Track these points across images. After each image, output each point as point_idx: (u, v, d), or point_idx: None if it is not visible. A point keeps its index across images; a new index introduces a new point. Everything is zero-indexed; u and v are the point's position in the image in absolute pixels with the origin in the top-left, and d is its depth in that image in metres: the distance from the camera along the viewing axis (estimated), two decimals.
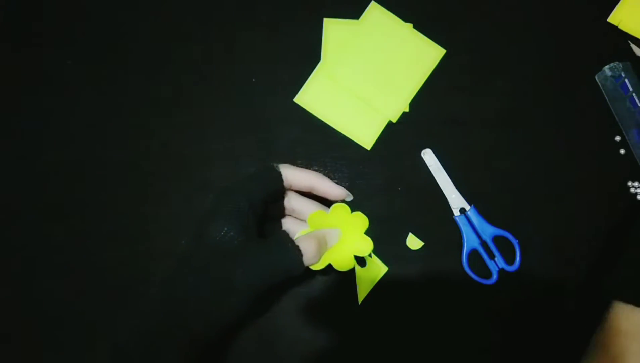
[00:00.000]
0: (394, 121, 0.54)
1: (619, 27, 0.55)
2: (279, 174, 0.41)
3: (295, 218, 0.46)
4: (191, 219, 0.52)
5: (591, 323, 0.52)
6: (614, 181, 0.53)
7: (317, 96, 0.54)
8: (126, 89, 0.54)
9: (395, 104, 0.54)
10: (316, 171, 0.53)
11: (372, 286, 0.51)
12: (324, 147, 0.54)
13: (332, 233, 0.43)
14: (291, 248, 0.39)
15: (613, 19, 0.55)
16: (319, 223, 0.44)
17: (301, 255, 0.39)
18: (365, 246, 0.46)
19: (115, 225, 0.52)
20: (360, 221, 0.46)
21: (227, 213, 0.38)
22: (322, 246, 0.41)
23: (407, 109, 0.54)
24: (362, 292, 0.51)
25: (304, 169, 0.43)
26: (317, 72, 0.55)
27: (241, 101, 0.54)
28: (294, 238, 0.40)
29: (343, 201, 0.46)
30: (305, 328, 0.51)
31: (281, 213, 0.46)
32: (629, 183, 0.53)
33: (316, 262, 0.41)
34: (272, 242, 0.39)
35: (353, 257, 0.45)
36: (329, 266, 0.44)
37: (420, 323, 0.51)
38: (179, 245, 0.51)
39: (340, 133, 0.54)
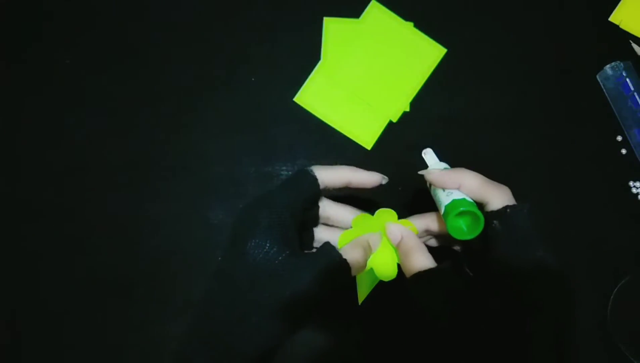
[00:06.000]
0: (394, 120, 0.54)
1: (620, 26, 0.55)
2: (315, 178, 0.38)
3: (330, 225, 0.43)
4: (191, 219, 0.52)
5: (591, 323, 0.52)
6: (615, 181, 0.53)
7: (317, 96, 0.54)
8: (126, 89, 0.54)
9: (395, 103, 0.54)
10: None
11: (372, 287, 0.51)
12: (324, 147, 0.54)
13: (374, 237, 0.40)
14: (339, 261, 0.35)
15: (614, 18, 0.55)
16: (363, 227, 0.41)
17: (349, 267, 0.36)
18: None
19: (115, 225, 0.52)
20: (388, 216, 0.42)
21: (268, 227, 0.34)
22: (367, 253, 0.39)
23: (407, 109, 0.54)
24: (363, 293, 0.51)
25: (335, 166, 0.40)
26: (317, 71, 0.54)
27: (241, 100, 0.54)
28: (338, 248, 0.37)
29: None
30: (306, 328, 0.51)
31: (315, 221, 0.42)
32: (631, 183, 0.53)
33: (362, 267, 0.38)
34: (319, 256, 0.35)
35: (396, 264, 0.41)
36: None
37: (421, 323, 0.51)
38: (215, 261, 0.48)
39: (340, 133, 0.54)
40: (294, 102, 0.54)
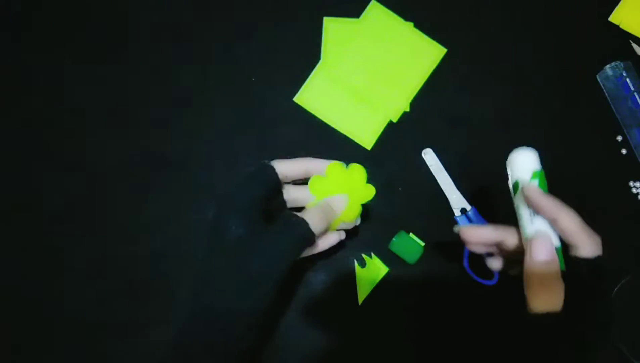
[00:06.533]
0: (394, 120, 0.54)
1: (620, 26, 0.55)
2: (273, 169, 0.41)
3: (298, 208, 0.46)
4: (192, 219, 0.52)
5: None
6: (615, 181, 0.53)
7: (317, 96, 0.54)
8: (126, 89, 0.54)
9: (395, 103, 0.54)
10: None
11: (372, 287, 0.51)
12: (324, 147, 0.54)
13: (336, 199, 0.43)
14: (296, 222, 0.39)
15: (614, 18, 0.55)
16: (320, 188, 0.43)
17: (307, 224, 0.39)
18: (368, 192, 0.45)
19: (115, 225, 0.52)
20: (358, 172, 0.44)
21: (232, 213, 0.39)
22: (328, 214, 0.42)
23: (407, 109, 0.54)
24: (363, 293, 0.51)
25: (294, 159, 0.43)
26: (317, 71, 0.54)
27: (241, 100, 0.54)
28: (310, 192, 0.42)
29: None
30: (306, 328, 0.51)
31: (282, 206, 0.46)
32: (631, 183, 0.53)
33: (324, 229, 0.41)
34: (279, 223, 0.39)
35: (360, 206, 0.44)
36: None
37: (421, 323, 0.51)
38: (195, 253, 0.51)
39: (340, 133, 0.54)
40: (294, 102, 0.54)
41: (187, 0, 0.55)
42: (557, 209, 0.36)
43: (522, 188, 0.38)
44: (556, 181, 0.53)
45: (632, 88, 0.53)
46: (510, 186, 0.40)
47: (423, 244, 0.51)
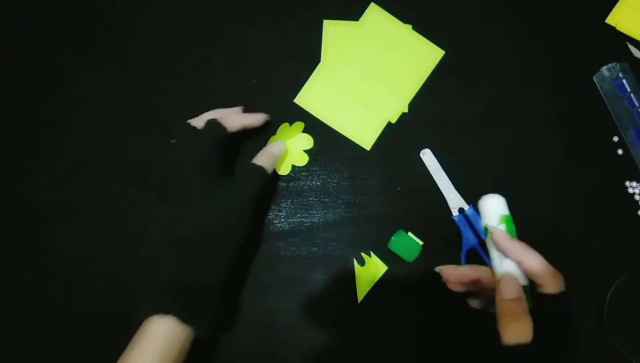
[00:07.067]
0: (393, 121, 0.55)
1: (617, 28, 0.55)
2: (219, 123, 0.48)
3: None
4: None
5: (588, 322, 0.52)
6: (612, 182, 0.54)
7: (317, 97, 0.55)
8: (126, 89, 0.55)
9: (394, 104, 0.55)
10: (316, 171, 0.54)
11: (371, 286, 0.52)
12: (324, 147, 0.54)
13: (275, 145, 0.51)
14: (254, 166, 0.48)
15: (611, 20, 0.55)
16: (285, 131, 0.53)
17: (262, 168, 0.48)
18: (307, 141, 0.55)
19: (115, 225, 0.53)
20: (296, 127, 0.53)
21: (195, 164, 0.46)
22: (272, 155, 0.50)
23: (406, 110, 0.55)
24: (362, 291, 0.52)
25: (230, 114, 0.50)
26: (317, 73, 0.55)
27: (242, 102, 0.54)
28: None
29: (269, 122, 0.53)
30: (305, 326, 0.51)
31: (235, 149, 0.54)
32: (627, 183, 0.53)
33: (273, 167, 0.50)
34: (240, 169, 0.49)
35: (291, 165, 0.54)
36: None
37: (419, 321, 0.52)
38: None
39: (340, 134, 0.54)
40: (294, 103, 0.55)
41: (187, 2, 0.56)
42: (522, 252, 0.40)
43: (490, 233, 0.41)
44: (552, 181, 0.54)
45: (628, 89, 0.54)
46: (482, 228, 0.43)
47: (421, 243, 0.52)
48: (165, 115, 0.54)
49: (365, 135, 0.54)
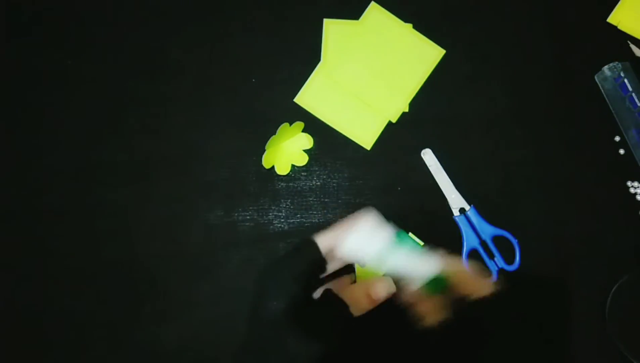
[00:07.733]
0: (393, 121, 0.54)
1: (619, 27, 0.55)
2: (314, 242, 0.40)
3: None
4: (192, 219, 0.53)
5: (589, 322, 0.52)
6: (613, 181, 0.53)
7: (317, 96, 0.55)
8: (126, 89, 0.55)
9: (395, 104, 0.54)
10: (316, 171, 0.53)
11: None
12: (325, 147, 0.54)
13: (378, 283, 0.42)
14: (335, 302, 0.40)
15: (612, 19, 0.55)
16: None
17: (346, 306, 0.40)
18: (307, 141, 0.54)
19: (115, 225, 0.53)
20: (296, 127, 0.53)
21: (272, 288, 0.40)
22: (366, 296, 0.41)
23: (406, 110, 0.55)
24: None
25: (331, 231, 0.41)
26: (317, 72, 0.55)
27: (241, 101, 0.54)
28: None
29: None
30: (305, 327, 0.51)
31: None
32: (629, 183, 0.53)
33: (362, 311, 0.41)
34: (319, 302, 0.40)
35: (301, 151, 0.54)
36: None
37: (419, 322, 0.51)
38: (214, 260, 0.52)
39: (340, 133, 0.54)
40: (294, 102, 0.55)
41: (187, 2, 0.56)
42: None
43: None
44: (554, 180, 0.54)
45: (630, 89, 0.54)
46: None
47: (422, 244, 0.51)
48: (166, 114, 0.54)
49: (365, 135, 0.54)
